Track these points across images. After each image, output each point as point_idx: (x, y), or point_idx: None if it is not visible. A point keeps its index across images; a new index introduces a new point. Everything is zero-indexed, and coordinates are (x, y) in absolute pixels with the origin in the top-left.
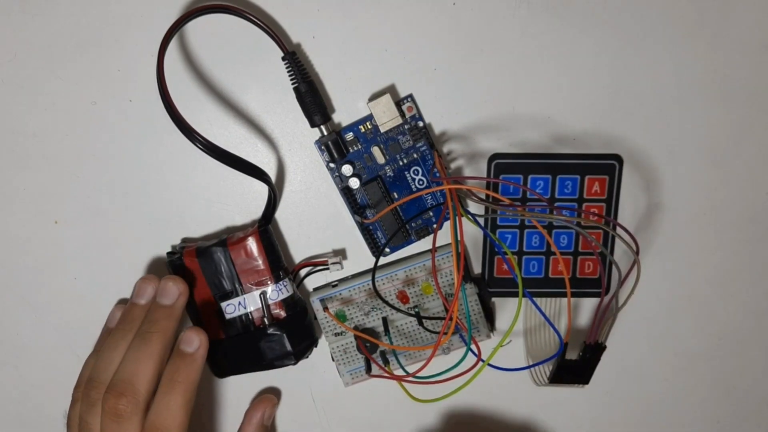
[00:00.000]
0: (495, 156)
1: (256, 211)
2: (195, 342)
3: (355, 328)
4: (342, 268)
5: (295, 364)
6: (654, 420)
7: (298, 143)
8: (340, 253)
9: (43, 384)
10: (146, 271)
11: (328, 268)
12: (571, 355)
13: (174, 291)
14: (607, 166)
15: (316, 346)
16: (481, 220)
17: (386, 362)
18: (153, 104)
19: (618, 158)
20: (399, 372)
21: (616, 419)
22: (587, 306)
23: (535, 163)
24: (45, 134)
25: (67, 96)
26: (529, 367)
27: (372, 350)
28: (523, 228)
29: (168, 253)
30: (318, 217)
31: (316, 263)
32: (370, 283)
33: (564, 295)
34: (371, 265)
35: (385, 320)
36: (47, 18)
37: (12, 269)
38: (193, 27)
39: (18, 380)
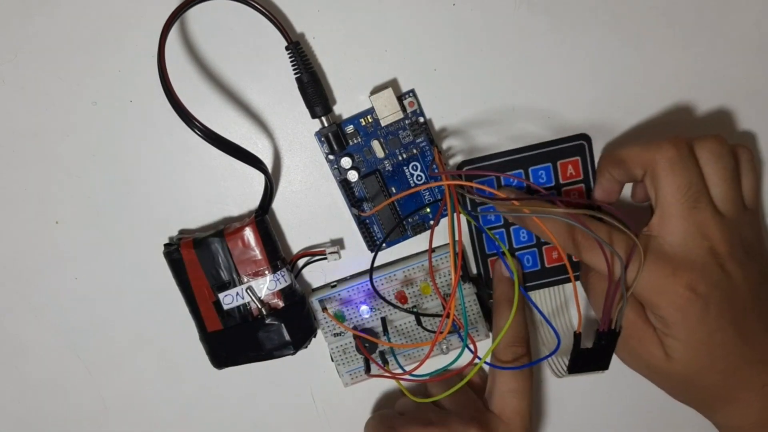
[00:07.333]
0: (464, 163)
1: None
2: None
3: (354, 328)
4: (339, 257)
5: (294, 353)
6: (656, 418)
7: (299, 143)
8: (338, 243)
9: (43, 384)
10: (146, 270)
11: (326, 258)
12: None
13: None
14: (575, 148)
15: (314, 336)
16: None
17: (385, 362)
18: (153, 105)
19: (585, 137)
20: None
21: (616, 418)
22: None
23: (504, 161)
24: (45, 134)
25: (67, 96)
26: (525, 366)
27: (371, 350)
28: (509, 225)
29: (165, 245)
30: (318, 218)
31: (313, 253)
32: (369, 282)
33: (565, 281)
34: (368, 261)
35: (383, 320)
36: (47, 18)
37: (12, 269)
38: (192, 26)
39: (18, 380)
